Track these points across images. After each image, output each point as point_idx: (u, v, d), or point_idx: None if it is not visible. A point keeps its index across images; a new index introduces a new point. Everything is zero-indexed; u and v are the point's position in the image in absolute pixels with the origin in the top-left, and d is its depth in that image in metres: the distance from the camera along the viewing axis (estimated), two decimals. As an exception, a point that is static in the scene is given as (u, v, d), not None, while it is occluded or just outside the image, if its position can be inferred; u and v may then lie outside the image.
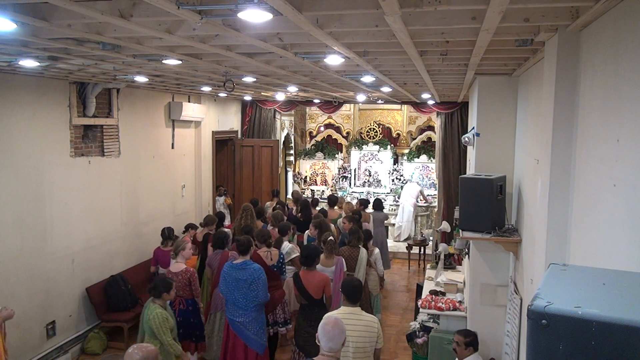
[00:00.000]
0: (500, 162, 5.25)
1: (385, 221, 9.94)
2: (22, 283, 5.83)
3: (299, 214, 8.72)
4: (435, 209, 11.59)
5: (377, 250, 7.28)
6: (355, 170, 13.44)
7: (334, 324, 3.01)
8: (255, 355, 5.29)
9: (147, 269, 7.29)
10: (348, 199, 11.84)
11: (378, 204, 9.43)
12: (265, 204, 9.98)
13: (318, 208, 9.31)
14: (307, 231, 7.56)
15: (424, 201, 12.29)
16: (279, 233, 6.74)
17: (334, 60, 3.99)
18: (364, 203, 9.23)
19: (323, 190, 13.39)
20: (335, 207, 9.01)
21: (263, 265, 5.71)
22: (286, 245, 6.47)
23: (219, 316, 6.03)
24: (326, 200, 9.65)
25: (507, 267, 5.18)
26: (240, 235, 6.39)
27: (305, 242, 7.35)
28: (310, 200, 9.45)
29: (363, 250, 6.57)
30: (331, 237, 6.23)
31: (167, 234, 6.79)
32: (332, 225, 7.82)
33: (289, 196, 13.09)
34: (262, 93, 8.95)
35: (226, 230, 7.74)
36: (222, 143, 11.08)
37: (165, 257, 6.61)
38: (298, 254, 6.55)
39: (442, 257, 7.61)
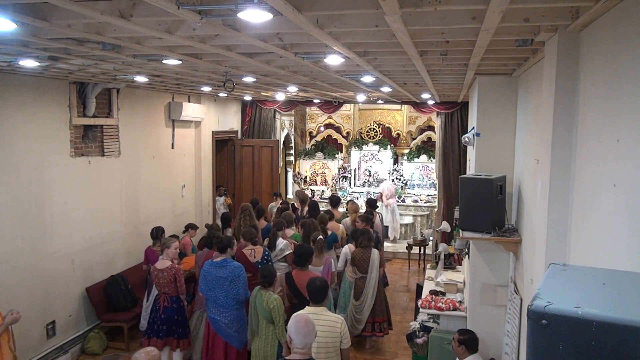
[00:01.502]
0: (500, 162, 5.25)
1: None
2: (22, 283, 5.83)
3: (307, 215, 8.72)
4: (435, 209, 11.59)
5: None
6: (355, 170, 13.44)
7: (306, 321, 3.12)
8: (236, 353, 5.31)
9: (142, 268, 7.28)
10: (348, 198, 11.83)
11: (372, 204, 9.37)
12: (269, 205, 9.96)
13: (322, 209, 9.29)
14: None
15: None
16: (274, 228, 6.73)
17: (334, 60, 3.99)
18: (371, 203, 9.17)
19: (323, 191, 13.39)
20: (339, 208, 9.00)
21: (246, 262, 5.73)
22: (280, 242, 6.44)
23: (198, 315, 6.07)
24: (328, 201, 9.64)
25: (507, 267, 5.18)
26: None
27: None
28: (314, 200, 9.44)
29: (375, 252, 6.54)
30: (320, 237, 6.21)
31: (156, 234, 6.80)
32: (341, 225, 7.82)
33: (289, 196, 13.10)
34: (262, 93, 8.95)
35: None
36: (222, 143, 11.08)
37: (155, 256, 6.62)
38: (291, 251, 6.55)
39: (442, 257, 7.60)
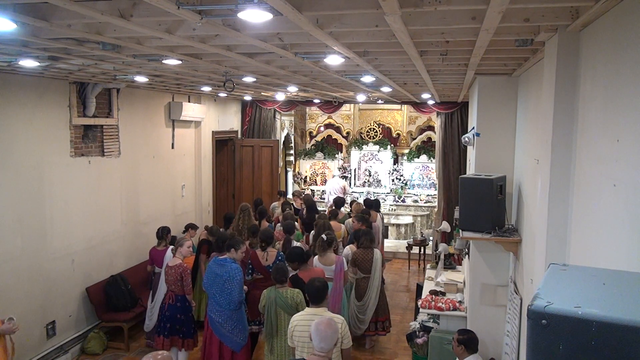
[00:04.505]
0: (500, 162, 5.25)
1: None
2: (22, 283, 5.83)
3: (305, 214, 8.74)
4: (435, 209, 11.59)
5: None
6: (355, 170, 13.44)
7: (327, 324, 3.11)
8: (230, 353, 5.31)
9: (147, 269, 7.30)
10: (348, 199, 11.83)
11: (376, 205, 9.38)
12: (272, 205, 9.93)
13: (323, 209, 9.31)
14: (312, 231, 7.55)
15: (348, 195, 12.13)
16: (285, 232, 6.72)
17: (334, 60, 3.99)
18: (372, 204, 9.17)
19: (323, 190, 13.39)
20: (342, 209, 8.99)
21: (257, 265, 5.71)
22: (293, 245, 6.42)
23: None
24: (332, 203, 9.63)
25: (507, 267, 5.18)
26: (241, 236, 6.40)
27: (311, 242, 7.34)
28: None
29: (377, 252, 6.52)
30: (323, 235, 6.19)
31: (161, 234, 6.81)
32: (343, 226, 7.83)
33: (289, 196, 13.09)
34: (262, 93, 8.95)
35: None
36: (222, 143, 11.08)
37: (160, 257, 6.61)
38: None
39: (442, 257, 7.60)
